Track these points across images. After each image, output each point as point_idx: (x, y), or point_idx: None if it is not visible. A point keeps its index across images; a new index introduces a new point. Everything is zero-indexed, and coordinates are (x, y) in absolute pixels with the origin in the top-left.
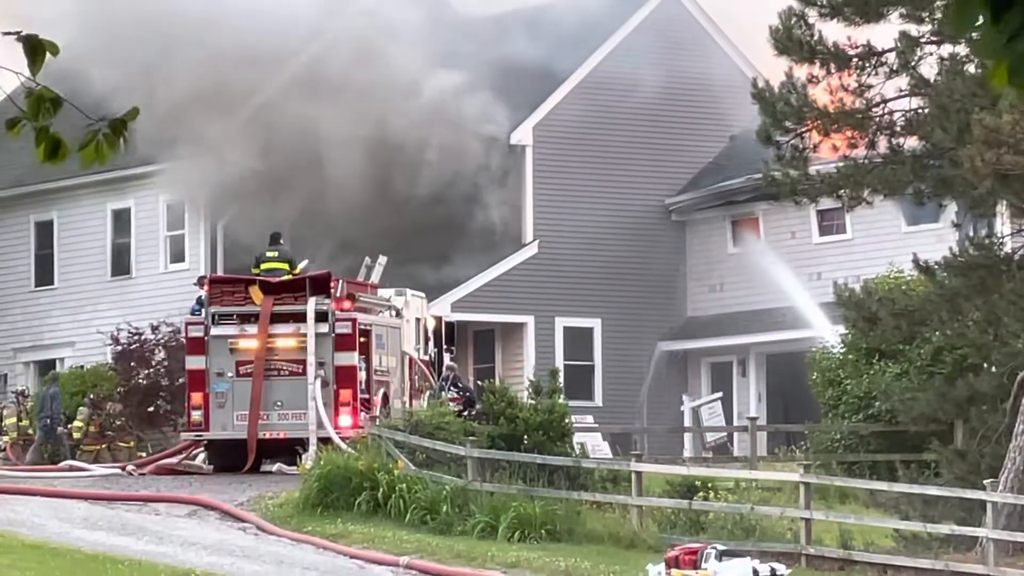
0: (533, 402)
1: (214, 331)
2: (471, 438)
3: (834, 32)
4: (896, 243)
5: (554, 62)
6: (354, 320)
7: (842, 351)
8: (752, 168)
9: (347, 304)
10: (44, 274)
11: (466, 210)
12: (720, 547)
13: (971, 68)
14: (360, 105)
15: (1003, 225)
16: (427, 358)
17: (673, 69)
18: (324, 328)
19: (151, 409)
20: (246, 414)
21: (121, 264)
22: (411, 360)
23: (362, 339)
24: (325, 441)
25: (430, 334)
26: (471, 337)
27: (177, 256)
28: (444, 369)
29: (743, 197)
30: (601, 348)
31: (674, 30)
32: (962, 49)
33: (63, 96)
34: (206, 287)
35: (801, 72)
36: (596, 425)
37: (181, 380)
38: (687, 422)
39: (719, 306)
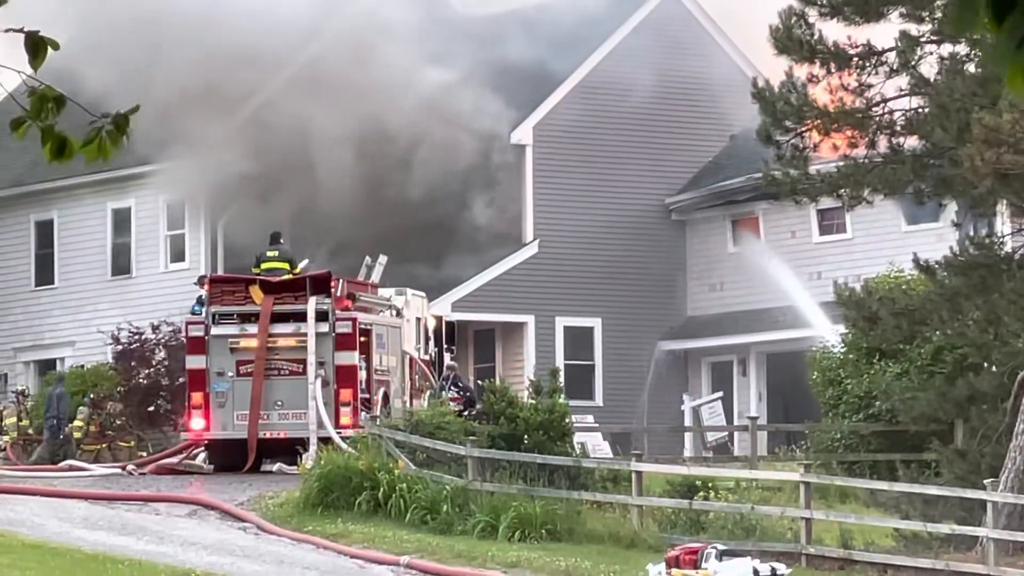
0: (533, 402)
1: (214, 331)
2: (471, 438)
3: (834, 31)
4: (896, 242)
5: (554, 61)
6: (354, 320)
7: (842, 351)
8: (752, 167)
9: (347, 303)
10: (44, 274)
11: (466, 210)
12: (720, 547)
13: (971, 68)
14: (358, 104)
15: (1003, 224)
16: (427, 358)
17: (673, 68)
18: (324, 328)
19: (151, 409)
20: (246, 414)
21: (121, 264)
22: (411, 360)
23: (362, 339)
24: (325, 441)
25: (430, 334)
26: (471, 337)
27: (177, 255)
28: (444, 369)
29: (743, 196)
30: (601, 348)
31: (674, 29)
32: (962, 49)
33: (66, 94)
34: (206, 286)
35: (801, 71)
36: (596, 425)
37: (181, 380)
38: (687, 422)
39: (719, 306)
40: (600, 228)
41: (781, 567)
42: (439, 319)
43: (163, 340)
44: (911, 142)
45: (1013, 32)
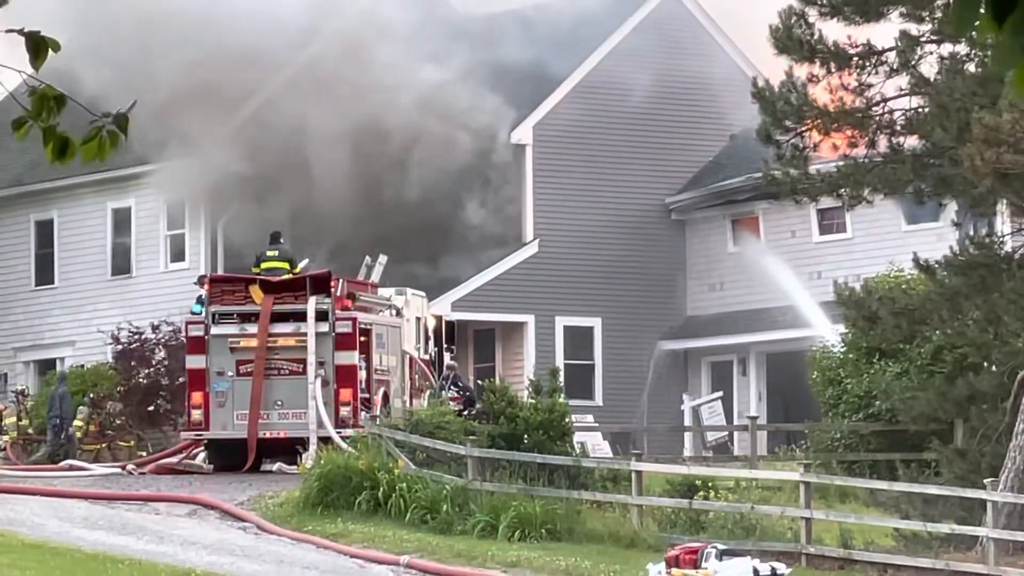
0: (533, 401)
1: (214, 330)
2: (471, 437)
3: (834, 31)
4: (896, 242)
5: (554, 61)
6: (354, 319)
7: (842, 350)
8: (752, 167)
9: (347, 303)
10: (44, 273)
11: (466, 210)
12: (720, 546)
13: (971, 68)
14: (358, 104)
15: (1003, 224)
16: (427, 357)
17: (673, 68)
18: (324, 327)
19: (151, 408)
20: (246, 413)
21: (121, 263)
22: (411, 359)
23: (362, 338)
24: (325, 440)
25: (430, 333)
26: (471, 336)
27: (177, 255)
28: (444, 368)
29: (743, 196)
30: (601, 347)
31: (674, 29)
32: (962, 48)
33: (66, 94)
34: (206, 286)
35: (801, 71)
36: (596, 424)
37: (181, 379)
38: (687, 421)
39: (719, 305)
40: (600, 228)
41: (781, 567)
42: (439, 319)
43: (163, 340)
44: (911, 142)
45: (1018, 33)
